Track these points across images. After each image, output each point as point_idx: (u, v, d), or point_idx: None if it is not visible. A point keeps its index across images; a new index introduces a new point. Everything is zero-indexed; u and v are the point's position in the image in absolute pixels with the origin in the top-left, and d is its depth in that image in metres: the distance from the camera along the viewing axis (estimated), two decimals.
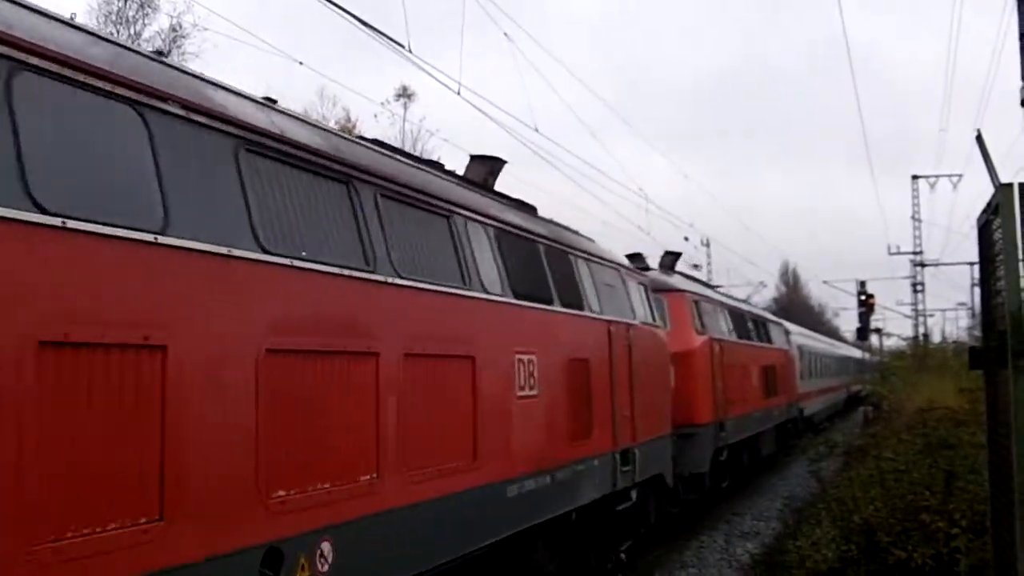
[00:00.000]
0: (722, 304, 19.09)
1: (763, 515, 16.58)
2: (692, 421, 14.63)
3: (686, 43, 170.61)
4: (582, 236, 11.08)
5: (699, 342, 15.54)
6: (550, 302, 8.78)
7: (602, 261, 11.00)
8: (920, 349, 39.37)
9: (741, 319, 20.26)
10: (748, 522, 16.03)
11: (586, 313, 9.75)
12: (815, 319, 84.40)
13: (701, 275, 38.45)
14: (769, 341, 23.38)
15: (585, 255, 10.34)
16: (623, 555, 11.68)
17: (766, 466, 22.67)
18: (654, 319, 12.62)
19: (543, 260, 8.96)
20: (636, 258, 15.51)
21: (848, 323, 76.74)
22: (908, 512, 8.94)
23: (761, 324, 23.35)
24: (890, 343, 53.67)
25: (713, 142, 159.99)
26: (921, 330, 47.09)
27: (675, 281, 16.73)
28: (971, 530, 8.06)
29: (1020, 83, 9.36)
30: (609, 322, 10.33)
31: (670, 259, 18.30)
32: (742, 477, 19.61)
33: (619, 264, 11.81)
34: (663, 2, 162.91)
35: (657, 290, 14.20)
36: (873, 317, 48.30)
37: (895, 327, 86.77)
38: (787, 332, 27.75)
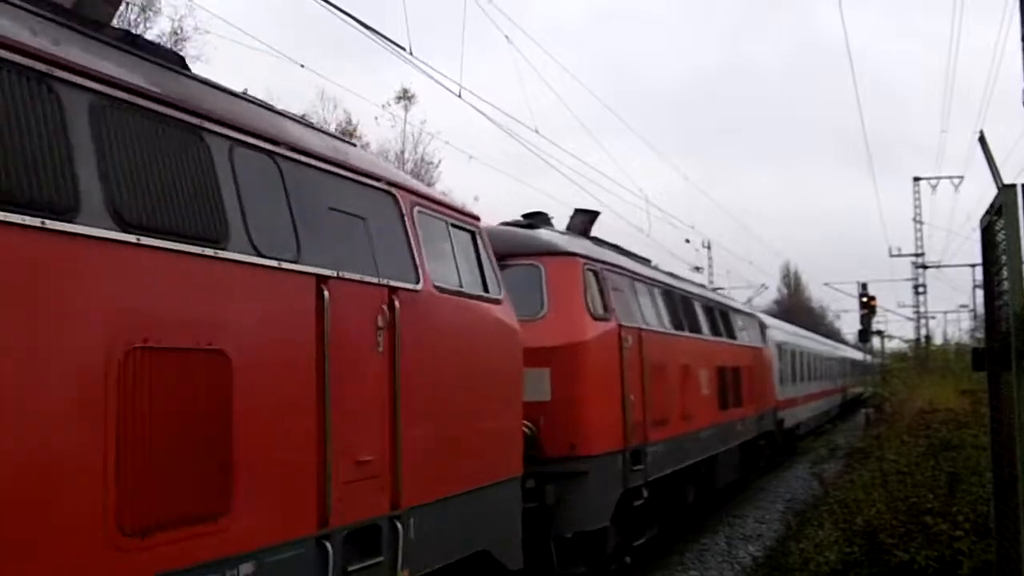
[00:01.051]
0: (652, 281, 13.33)
1: (765, 517, 16.36)
2: (578, 452, 9.64)
3: (683, 44, 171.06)
4: (304, 124, 6.30)
5: (596, 331, 10.26)
6: (72, 211, 3.85)
7: (336, 168, 5.98)
8: (922, 351, 39.47)
9: (686, 304, 14.77)
10: (750, 524, 15.84)
11: (239, 255, 4.83)
12: (816, 321, 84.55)
13: (702, 277, 38.45)
14: (732, 336, 18.09)
15: (272, 145, 5.35)
16: (628, 558, 11.62)
17: (724, 499, 17.90)
18: (486, 289, 7.87)
19: (82, 131, 4.00)
20: (536, 216, 11.55)
21: (850, 325, 76.79)
22: (911, 514, 8.89)
23: (721, 314, 17.69)
24: (892, 345, 53.83)
25: (713, 145, 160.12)
26: (923, 332, 47.21)
27: (562, 241, 10.93)
28: (974, 532, 8.02)
29: (1022, 84, 9.35)
30: (326, 280, 5.42)
31: (581, 219, 12.74)
32: (685, 520, 14.45)
33: (393, 184, 6.66)
34: (660, 1, 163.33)
35: (525, 254, 10.01)
36: (875, 319, 48.30)
37: (896, 329, 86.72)
38: (762, 326, 22.97)
